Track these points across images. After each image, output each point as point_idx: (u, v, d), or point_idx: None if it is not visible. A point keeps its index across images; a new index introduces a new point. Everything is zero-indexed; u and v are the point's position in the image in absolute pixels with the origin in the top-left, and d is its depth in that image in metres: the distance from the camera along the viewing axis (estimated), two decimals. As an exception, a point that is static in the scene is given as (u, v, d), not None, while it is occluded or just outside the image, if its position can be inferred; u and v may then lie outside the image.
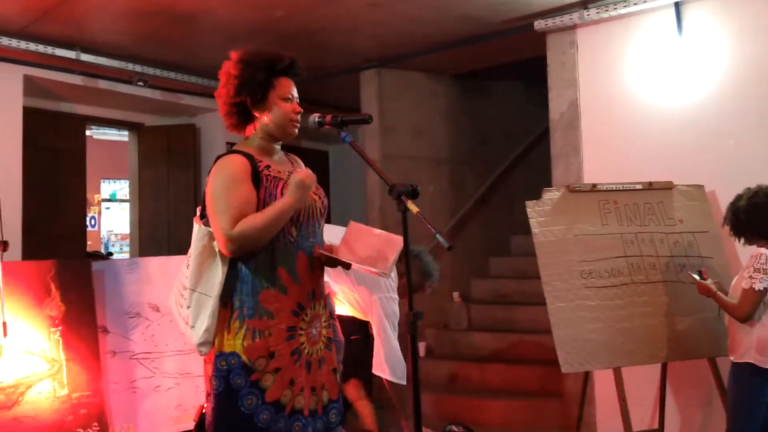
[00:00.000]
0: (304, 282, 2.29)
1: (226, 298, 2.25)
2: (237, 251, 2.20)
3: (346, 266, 2.37)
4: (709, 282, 3.27)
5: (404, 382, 3.63)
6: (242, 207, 2.20)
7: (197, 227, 2.29)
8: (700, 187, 3.89)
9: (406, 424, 3.79)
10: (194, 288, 2.26)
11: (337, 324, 3.59)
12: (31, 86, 5.04)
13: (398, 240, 2.26)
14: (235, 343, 2.21)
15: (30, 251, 4.83)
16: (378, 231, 2.37)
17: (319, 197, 2.40)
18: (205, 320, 2.23)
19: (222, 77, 2.37)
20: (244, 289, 2.24)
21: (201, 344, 2.24)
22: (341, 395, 2.43)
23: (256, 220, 2.18)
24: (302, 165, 2.48)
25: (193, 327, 2.25)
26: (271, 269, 2.24)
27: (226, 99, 2.35)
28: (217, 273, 2.24)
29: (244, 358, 2.19)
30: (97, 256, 7.55)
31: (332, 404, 2.36)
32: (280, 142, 2.42)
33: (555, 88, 4.60)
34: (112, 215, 11.49)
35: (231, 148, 2.40)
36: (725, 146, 3.94)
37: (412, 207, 2.04)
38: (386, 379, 3.60)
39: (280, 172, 2.32)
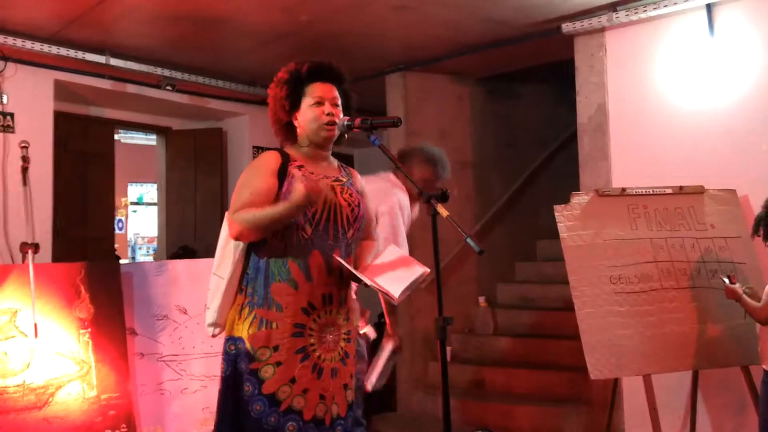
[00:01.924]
0: (318, 282, 2.31)
1: (243, 285, 2.36)
2: (235, 235, 2.30)
3: (364, 283, 2.37)
4: (737, 286, 3.23)
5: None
6: (253, 197, 2.28)
7: (227, 216, 2.40)
8: (733, 191, 3.83)
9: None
10: (215, 271, 2.40)
11: (362, 339, 3.54)
12: (61, 90, 5.11)
13: (418, 268, 2.30)
14: (243, 328, 2.29)
15: (59, 253, 4.89)
16: (410, 258, 2.40)
17: (349, 204, 2.40)
18: (216, 302, 2.36)
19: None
20: (258, 278, 2.32)
21: (210, 324, 2.39)
22: (350, 413, 2.41)
23: (251, 213, 2.26)
24: (357, 179, 2.53)
25: (208, 308, 2.39)
26: (283, 263, 2.30)
27: (270, 119, 2.48)
28: (231, 257, 2.35)
29: (248, 345, 2.27)
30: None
31: (339, 420, 2.35)
32: (326, 149, 2.46)
33: (583, 91, 4.56)
34: (139, 218, 11.63)
35: (276, 148, 2.48)
36: (758, 150, 3.87)
37: (442, 211, 2.03)
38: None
39: (312, 173, 2.35)
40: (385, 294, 2.27)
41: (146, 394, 3.90)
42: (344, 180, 2.46)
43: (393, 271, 2.34)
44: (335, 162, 2.53)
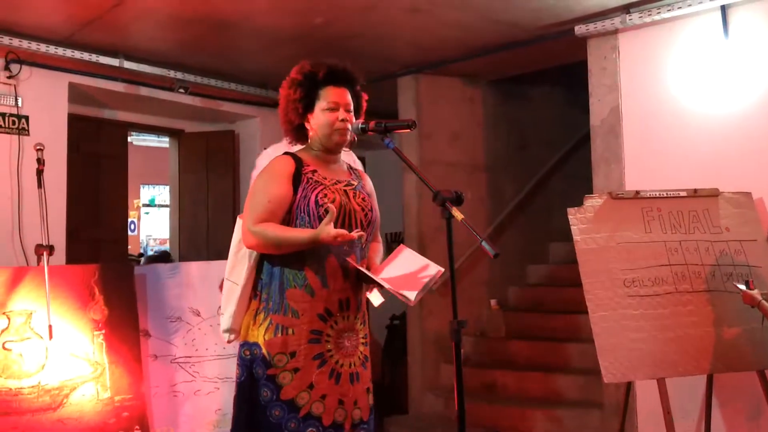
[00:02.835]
0: (334, 288, 2.31)
1: (257, 290, 2.35)
2: (250, 246, 2.30)
3: (379, 284, 2.37)
4: (755, 292, 3.20)
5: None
6: (270, 205, 2.28)
7: (239, 220, 2.39)
8: (748, 194, 3.80)
9: None
10: (228, 277, 2.38)
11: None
12: (75, 93, 5.13)
13: (434, 268, 2.30)
14: (258, 334, 2.29)
15: (73, 255, 4.92)
16: (423, 258, 2.38)
17: (363, 209, 2.40)
18: (231, 307, 2.35)
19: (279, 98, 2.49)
20: (273, 284, 2.31)
21: (225, 330, 2.38)
22: (372, 416, 2.43)
23: (274, 231, 2.25)
24: (366, 181, 2.53)
25: (222, 314, 2.39)
26: (299, 268, 2.29)
27: (281, 119, 2.47)
28: (245, 263, 2.34)
29: (264, 350, 2.26)
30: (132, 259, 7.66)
31: (362, 424, 2.37)
32: (337, 153, 2.45)
33: (596, 93, 4.54)
34: (151, 220, 11.68)
35: (288, 152, 2.46)
36: (773, 153, 3.84)
37: (457, 214, 2.03)
38: None
39: (325, 178, 2.34)
40: (402, 297, 2.26)
41: (159, 396, 3.92)
42: (355, 183, 2.46)
43: (407, 273, 2.33)
44: (345, 164, 2.53)
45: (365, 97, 2.51)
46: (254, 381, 2.25)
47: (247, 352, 2.29)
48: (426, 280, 2.28)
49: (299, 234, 2.25)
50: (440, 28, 4.65)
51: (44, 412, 3.54)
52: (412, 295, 2.24)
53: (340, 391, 2.30)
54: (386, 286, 2.26)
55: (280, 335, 2.25)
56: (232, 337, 2.39)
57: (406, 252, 2.44)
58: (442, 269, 2.31)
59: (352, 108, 2.41)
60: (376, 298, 2.55)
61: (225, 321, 2.37)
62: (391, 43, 4.99)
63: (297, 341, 2.25)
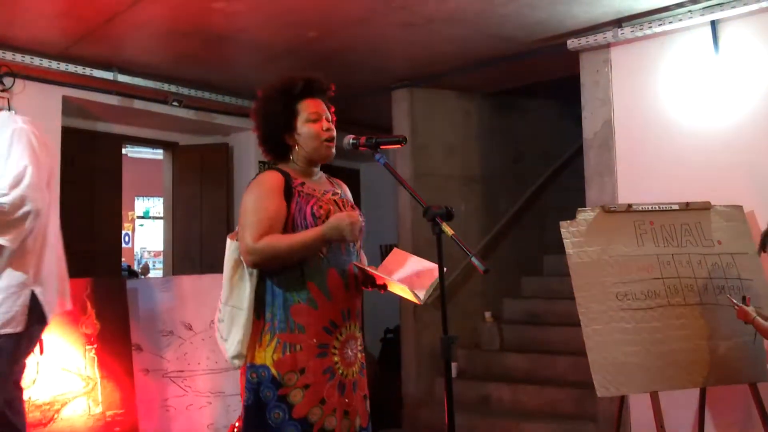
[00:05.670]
0: (337, 299, 2.29)
1: (259, 311, 2.28)
2: (255, 264, 2.23)
3: (380, 287, 2.37)
4: (750, 309, 3.20)
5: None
6: (268, 220, 2.23)
7: (229, 242, 2.33)
8: (739, 207, 3.81)
9: None
10: (226, 302, 2.30)
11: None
12: (69, 107, 5.13)
13: (433, 268, 2.27)
14: (266, 355, 2.24)
15: (67, 268, 4.89)
16: (420, 259, 2.37)
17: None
18: (237, 333, 2.27)
19: (253, 118, 2.45)
20: (275, 302, 2.27)
21: (234, 357, 2.27)
22: (370, 423, 2.42)
23: (280, 242, 2.21)
24: (346, 189, 2.52)
25: (225, 340, 2.29)
26: (301, 284, 2.26)
27: (260, 140, 2.43)
28: (246, 286, 2.27)
29: (273, 371, 2.22)
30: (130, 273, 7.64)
31: (362, 431, 2.35)
32: (319, 165, 2.44)
33: (588, 107, 4.56)
34: (145, 232, 11.66)
35: (271, 166, 2.43)
36: (765, 166, 3.86)
37: (447, 229, 2.03)
38: None
39: (314, 190, 2.35)
40: (412, 296, 2.26)
41: (151, 411, 3.90)
42: (339, 192, 2.46)
43: (413, 273, 2.32)
44: (324, 175, 2.51)
45: (332, 108, 2.49)
46: (262, 404, 2.21)
47: (254, 375, 2.24)
48: (432, 280, 2.27)
49: (308, 234, 2.22)
50: (434, 42, 4.67)
51: (35, 428, 3.51)
52: (420, 294, 2.24)
53: (345, 402, 2.29)
54: (398, 287, 2.26)
55: (288, 353, 2.22)
56: (241, 362, 2.30)
57: (402, 254, 2.44)
58: (444, 267, 2.26)
59: (330, 117, 2.42)
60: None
61: (234, 348, 2.27)
62: (385, 57, 5.01)
63: (305, 357, 2.22)
